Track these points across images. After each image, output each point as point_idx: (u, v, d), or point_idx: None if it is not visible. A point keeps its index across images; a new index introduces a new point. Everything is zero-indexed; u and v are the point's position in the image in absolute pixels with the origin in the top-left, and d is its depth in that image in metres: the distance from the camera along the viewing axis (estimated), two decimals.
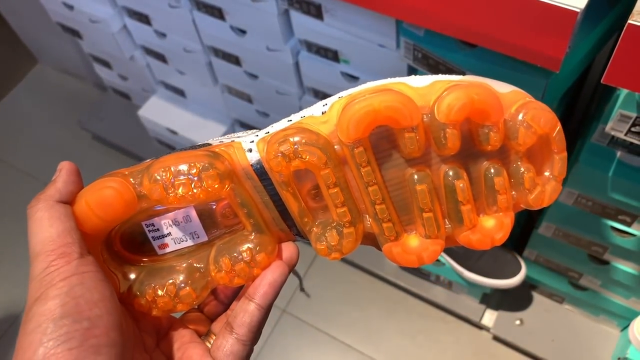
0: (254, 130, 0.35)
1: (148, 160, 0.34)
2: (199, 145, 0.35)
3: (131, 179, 0.33)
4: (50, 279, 0.29)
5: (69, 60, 1.55)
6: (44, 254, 0.30)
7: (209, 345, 0.35)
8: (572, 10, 0.44)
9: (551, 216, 0.85)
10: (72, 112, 1.56)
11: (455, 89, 0.31)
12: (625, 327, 1.02)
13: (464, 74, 0.65)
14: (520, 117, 0.32)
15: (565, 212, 0.82)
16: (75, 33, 1.21)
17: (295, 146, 0.31)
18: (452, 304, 1.14)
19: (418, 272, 1.15)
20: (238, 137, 0.35)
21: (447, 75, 0.33)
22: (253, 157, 0.33)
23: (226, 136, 0.36)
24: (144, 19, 1.03)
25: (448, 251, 1.02)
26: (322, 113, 0.33)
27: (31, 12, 1.38)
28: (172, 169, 0.32)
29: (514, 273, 0.98)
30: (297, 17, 0.79)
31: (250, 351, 0.34)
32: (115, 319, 0.30)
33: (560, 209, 0.82)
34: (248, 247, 0.33)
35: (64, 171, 0.34)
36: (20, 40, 1.62)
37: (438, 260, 1.05)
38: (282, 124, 0.34)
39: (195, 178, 0.32)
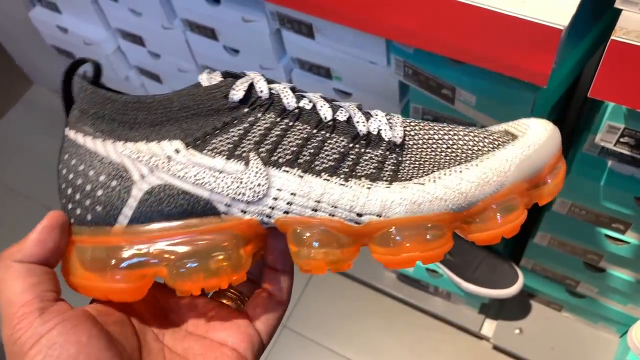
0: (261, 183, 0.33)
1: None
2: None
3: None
4: (19, 349, 0.28)
5: None
6: (7, 319, 0.29)
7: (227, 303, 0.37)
8: (556, 28, 0.45)
9: (546, 225, 0.86)
10: None
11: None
12: (624, 334, 1.03)
13: (453, 89, 0.66)
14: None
15: (560, 221, 0.82)
16: (69, 55, 1.22)
17: (318, 253, 0.33)
18: (451, 315, 1.15)
19: (416, 283, 1.16)
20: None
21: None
22: (268, 225, 0.34)
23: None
24: (137, 40, 1.04)
25: (445, 262, 1.03)
26: (356, 223, 0.33)
27: (25, 35, 1.39)
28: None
29: (512, 282, 0.99)
30: (289, 36, 0.80)
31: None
32: (103, 354, 0.29)
33: (555, 218, 0.82)
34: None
35: (38, 229, 0.32)
36: (15, 62, 1.63)
37: (435, 272, 1.06)
38: (304, 205, 0.33)
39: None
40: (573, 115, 0.92)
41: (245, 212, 0.33)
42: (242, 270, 0.33)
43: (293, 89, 0.35)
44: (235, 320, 0.36)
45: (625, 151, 0.60)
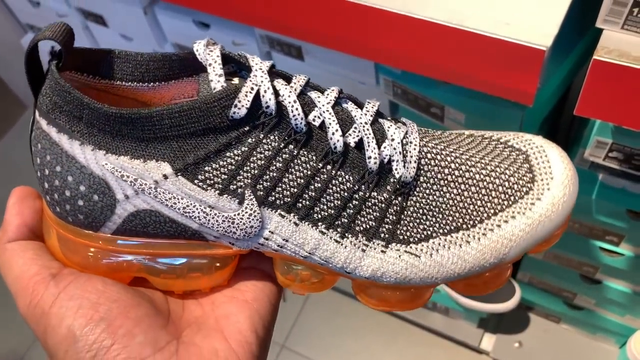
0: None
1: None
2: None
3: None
4: (41, 311, 0.29)
5: None
6: (21, 292, 0.30)
7: None
8: (539, 49, 0.45)
9: None
10: None
11: None
12: (624, 344, 1.03)
13: (442, 108, 0.66)
14: None
15: None
16: None
17: (301, 285, 0.33)
18: (450, 330, 1.14)
19: None
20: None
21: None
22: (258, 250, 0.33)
23: None
24: None
25: None
26: (346, 272, 0.33)
27: (19, 61, 1.40)
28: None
29: (509, 296, 0.99)
30: (278, 58, 0.81)
31: None
32: (124, 300, 0.29)
33: None
34: None
35: (8, 207, 0.32)
36: (9, 87, 1.63)
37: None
38: (296, 252, 0.32)
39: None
40: (564, 129, 0.92)
41: (233, 244, 0.32)
42: (227, 280, 0.34)
43: (302, 93, 0.31)
44: (250, 269, 0.35)
45: (614, 165, 0.61)
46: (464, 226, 0.31)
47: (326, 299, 1.26)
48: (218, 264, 0.32)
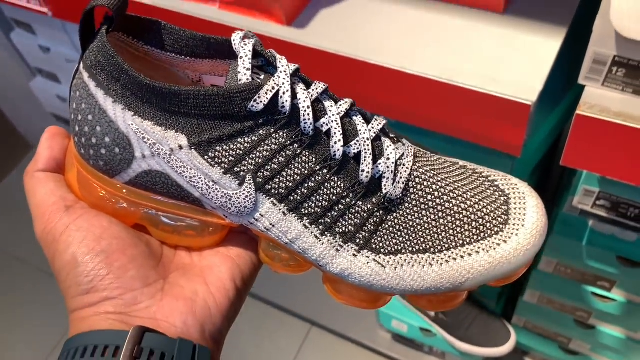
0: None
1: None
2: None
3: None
4: (52, 238, 0.33)
5: None
6: (39, 218, 0.34)
7: None
8: (525, 103, 0.48)
9: (534, 283, 0.88)
10: None
11: None
12: None
13: (437, 152, 0.69)
14: None
15: (547, 280, 0.84)
16: (68, 122, 1.26)
17: (281, 264, 0.37)
18: None
19: (411, 343, 1.16)
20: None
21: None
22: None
23: None
24: None
25: (438, 322, 1.04)
26: (319, 265, 0.36)
27: (26, 103, 1.43)
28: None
29: (504, 341, 0.99)
30: None
31: None
32: (123, 238, 0.34)
33: (542, 277, 0.84)
34: None
35: (42, 140, 0.37)
36: (15, 128, 1.67)
37: (429, 331, 1.06)
38: (280, 237, 0.35)
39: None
40: (556, 177, 0.95)
41: (226, 217, 0.35)
42: (218, 244, 0.37)
43: (317, 100, 0.33)
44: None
45: (602, 213, 0.63)
46: (432, 250, 0.34)
47: (323, 342, 1.26)
48: (211, 229, 0.36)
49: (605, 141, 0.46)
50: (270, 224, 0.34)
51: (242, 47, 0.32)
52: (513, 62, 0.51)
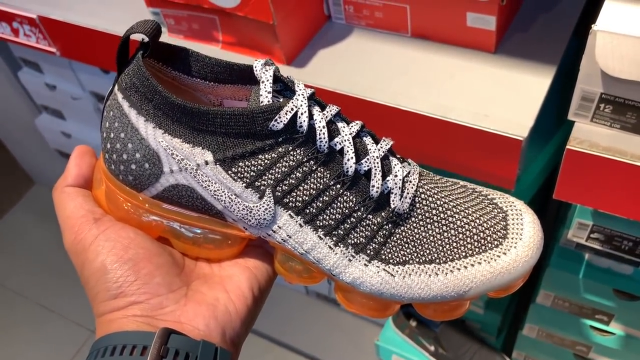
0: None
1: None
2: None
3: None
4: (82, 247, 0.36)
5: None
6: (68, 229, 0.36)
7: None
8: (517, 139, 0.49)
9: (532, 318, 0.88)
10: None
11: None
12: None
13: None
14: None
15: (545, 314, 0.84)
16: None
17: (296, 275, 0.39)
18: None
19: None
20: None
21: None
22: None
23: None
24: None
25: (438, 356, 1.03)
26: (332, 275, 0.38)
27: (30, 140, 1.46)
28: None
29: None
30: None
31: None
32: (149, 248, 0.36)
33: (540, 311, 0.84)
34: None
35: (71, 158, 0.39)
36: (18, 163, 1.69)
37: None
38: (296, 248, 0.37)
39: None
40: (553, 210, 0.96)
41: (246, 229, 0.38)
42: (236, 256, 0.40)
43: (331, 122, 0.36)
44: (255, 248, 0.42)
45: (596, 246, 0.64)
46: (437, 260, 0.37)
47: None
48: (230, 242, 0.39)
49: (595, 175, 0.48)
50: (287, 235, 0.36)
51: (264, 73, 0.35)
52: (505, 100, 0.53)
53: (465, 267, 0.36)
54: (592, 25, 0.41)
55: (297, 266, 0.38)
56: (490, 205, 0.39)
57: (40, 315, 1.47)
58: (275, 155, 0.35)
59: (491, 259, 0.37)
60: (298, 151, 0.35)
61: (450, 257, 0.37)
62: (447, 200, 0.38)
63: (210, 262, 0.40)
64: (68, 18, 0.70)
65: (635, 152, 0.45)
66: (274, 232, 0.37)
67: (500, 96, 0.53)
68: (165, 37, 0.65)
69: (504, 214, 0.38)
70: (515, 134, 0.49)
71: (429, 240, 0.37)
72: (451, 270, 0.36)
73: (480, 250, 0.37)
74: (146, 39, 0.36)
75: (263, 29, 0.57)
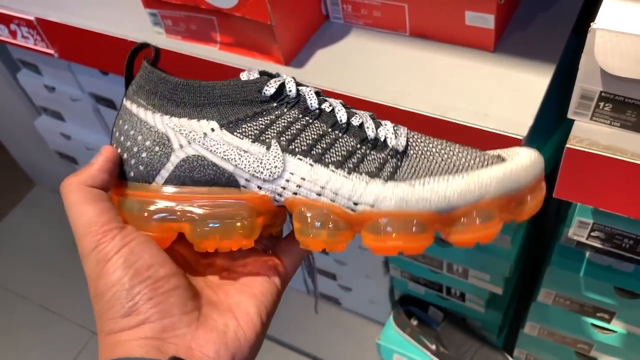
0: (276, 168, 0.38)
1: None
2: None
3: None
4: (103, 256, 0.34)
5: None
6: (89, 235, 0.35)
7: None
8: (516, 138, 0.49)
9: (534, 316, 0.88)
10: (67, 231, 1.59)
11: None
12: None
13: None
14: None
15: (547, 312, 0.84)
16: (72, 160, 1.28)
17: (317, 232, 0.38)
18: None
19: None
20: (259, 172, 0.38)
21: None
22: (278, 204, 0.39)
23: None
24: None
25: (439, 355, 1.03)
26: (352, 211, 0.37)
27: (30, 141, 1.46)
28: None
29: None
30: None
31: None
32: (169, 269, 0.36)
33: (541, 309, 0.84)
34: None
35: (101, 157, 0.38)
36: (18, 165, 1.69)
37: None
38: (311, 189, 0.37)
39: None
40: (554, 208, 0.95)
41: (260, 188, 0.38)
42: (252, 237, 0.39)
43: (317, 94, 0.40)
44: (263, 256, 0.43)
45: (597, 244, 0.63)
46: (451, 172, 0.38)
47: None
48: (245, 222, 0.39)
49: (595, 174, 0.48)
50: (301, 178, 0.37)
51: (251, 72, 0.39)
52: (504, 99, 0.52)
53: (479, 169, 0.37)
54: (591, 24, 0.41)
55: (319, 230, 0.38)
56: (480, 151, 0.40)
57: (41, 316, 1.47)
58: (273, 117, 0.38)
59: (499, 165, 0.38)
60: (292, 111, 0.38)
61: (462, 169, 0.38)
62: (438, 143, 0.40)
63: (217, 288, 0.40)
64: (66, 20, 0.70)
65: (635, 151, 0.45)
66: (287, 181, 0.38)
67: (500, 95, 0.53)
68: (163, 39, 0.65)
69: (498, 152, 0.40)
70: (515, 133, 0.49)
71: (436, 166, 0.38)
72: (467, 173, 0.37)
73: (487, 164, 0.38)
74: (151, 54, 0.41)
75: (261, 30, 0.57)
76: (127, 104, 0.40)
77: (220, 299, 0.39)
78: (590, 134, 0.47)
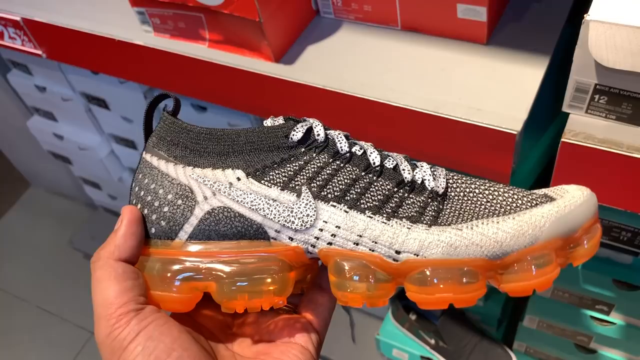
0: (309, 216, 0.35)
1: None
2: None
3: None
4: (119, 344, 0.31)
5: (60, 182, 1.60)
6: (104, 319, 0.32)
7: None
8: (510, 133, 0.48)
9: (532, 309, 0.87)
10: (63, 232, 1.59)
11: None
12: None
13: None
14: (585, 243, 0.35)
15: (545, 305, 0.84)
16: (65, 160, 1.27)
17: (357, 286, 0.34)
18: None
19: None
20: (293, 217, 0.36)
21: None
22: (312, 256, 0.36)
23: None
24: (130, 144, 1.09)
25: (439, 350, 1.03)
26: (394, 260, 0.34)
27: (23, 142, 1.45)
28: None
29: None
30: None
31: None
32: (193, 351, 0.32)
33: (540, 302, 0.84)
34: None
35: (124, 223, 0.35)
36: (13, 165, 1.68)
37: (430, 359, 1.06)
38: (347, 238, 0.35)
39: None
40: None
41: (292, 240, 0.35)
42: (285, 294, 0.36)
43: (347, 137, 0.38)
44: (293, 322, 0.39)
45: None
46: (500, 214, 0.34)
47: None
48: (275, 276, 0.36)
49: (591, 167, 0.47)
50: (336, 227, 0.35)
51: (273, 118, 0.38)
52: (497, 93, 0.52)
53: (531, 211, 0.34)
54: (585, 15, 0.40)
55: (358, 284, 0.35)
56: (527, 191, 0.37)
57: (39, 318, 1.47)
58: (302, 162, 0.36)
59: (551, 203, 0.35)
60: (322, 156, 0.36)
61: (511, 211, 0.34)
62: (481, 183, 0.37)
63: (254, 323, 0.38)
64: (53, 20, 0.69)
65: (631, 144, 0.44)
66: (321, 230, 0.35)
67: (493, 89, 0.52)
68: (151, 37, 0.64)
69: (544, 192, 0.37)
70: (509, 127, 0.48)
71: (480, 207, 0.35)
72: (517, 214, 0.34)
73: (536, 204, 0.35)
74: (169, 108, 0.39)
75: (249, 27, 0.56)
76: (147, 157, 0.38)
77: None
78: (585, 127, 0.46)
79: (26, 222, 1.69)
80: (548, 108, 0.59)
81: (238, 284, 0.35)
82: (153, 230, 0.36)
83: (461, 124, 0.50)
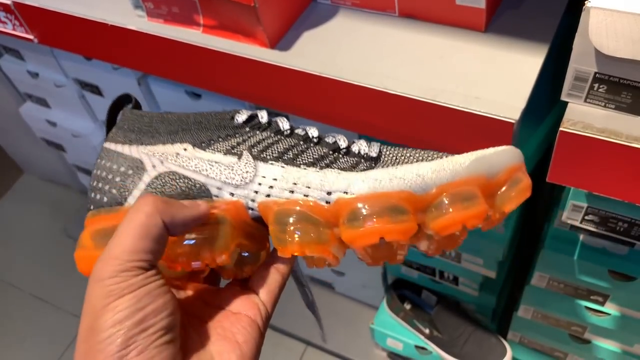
0: (249, 174, 0.38)
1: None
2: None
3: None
4: (119, 291, 0.32)
5: (54, 170, 1.59)
6: (116, 262, 0.32)
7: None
8: (508, 122, 0.48)
9: (527, 299, 0.87)
10: (57, 219, 1.58)
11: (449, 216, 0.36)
12: None
13: None
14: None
15: (540, 295, 0.84)
16: (59, 147, 1.26)
17: (293, 232, 0.36)
18: None
19: None
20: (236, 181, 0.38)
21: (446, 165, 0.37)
22: (253, 213, 0.39)
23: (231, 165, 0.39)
24: None
25: (433, 339, 1.03)
26: (327, 202, 0.36)
27: (16, 129, 1.43)
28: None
29: (500, 357, 0.98)
30: None
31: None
32: (174, 318, 0.34)
33: (535, 292, 0.84)
34: None
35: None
36: (7, 153, 1.66)
37: (425, 349, 1.06)
38: (283, 187, 0.37)
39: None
40: (547, 191, 0.95)
41: (233, 195, 0.38)
42: (225, 250, 0.37)
43: (291, 126, 0.41)
44: (244, 295, 0.41)
45: (591, 228, 0.62)
46: (423, 161, 0.38)
47: None
48: (220, 237, 0.37)
49: (589, 157, 0.46)
50: (273, 179, 0.38)
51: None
52: (495, 81, 0.51)
53: (454, 156, 0.38)
54: (586, 2, 0.39)
55: (296, 230, 0.36)
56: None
57: (33, 305, 1.46)
58: (245, 137, 0.39)
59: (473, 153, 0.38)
60: (264, 133, 0.40)
61: (436, 158, 0.38)
62: (412, 149, 0.40)
63: (202, 335, 0.38)
64: (44, 4, 0.68)
65: (630, 133, 0.44)
66: (260, 184, 0.38)
67: (491, 77, 0.51)
68: (144, 22, 0.63)
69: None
70: (507, 116, 0.48)
71: (408, 161, 0.38)
72: (440, 158, 0.38)
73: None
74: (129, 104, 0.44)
75: (244, 12, 0.55)
76: (106, 144, 0.42)
77: (203, 345, 0.37)
78: (584, 116, 0.46)
79: (19, 210, 1.68)
80: (546, 96, 0.58)
81: (185, 242, 0.37)
82: (105, 199, 0.39)
83: (458, 112, 0.49)
